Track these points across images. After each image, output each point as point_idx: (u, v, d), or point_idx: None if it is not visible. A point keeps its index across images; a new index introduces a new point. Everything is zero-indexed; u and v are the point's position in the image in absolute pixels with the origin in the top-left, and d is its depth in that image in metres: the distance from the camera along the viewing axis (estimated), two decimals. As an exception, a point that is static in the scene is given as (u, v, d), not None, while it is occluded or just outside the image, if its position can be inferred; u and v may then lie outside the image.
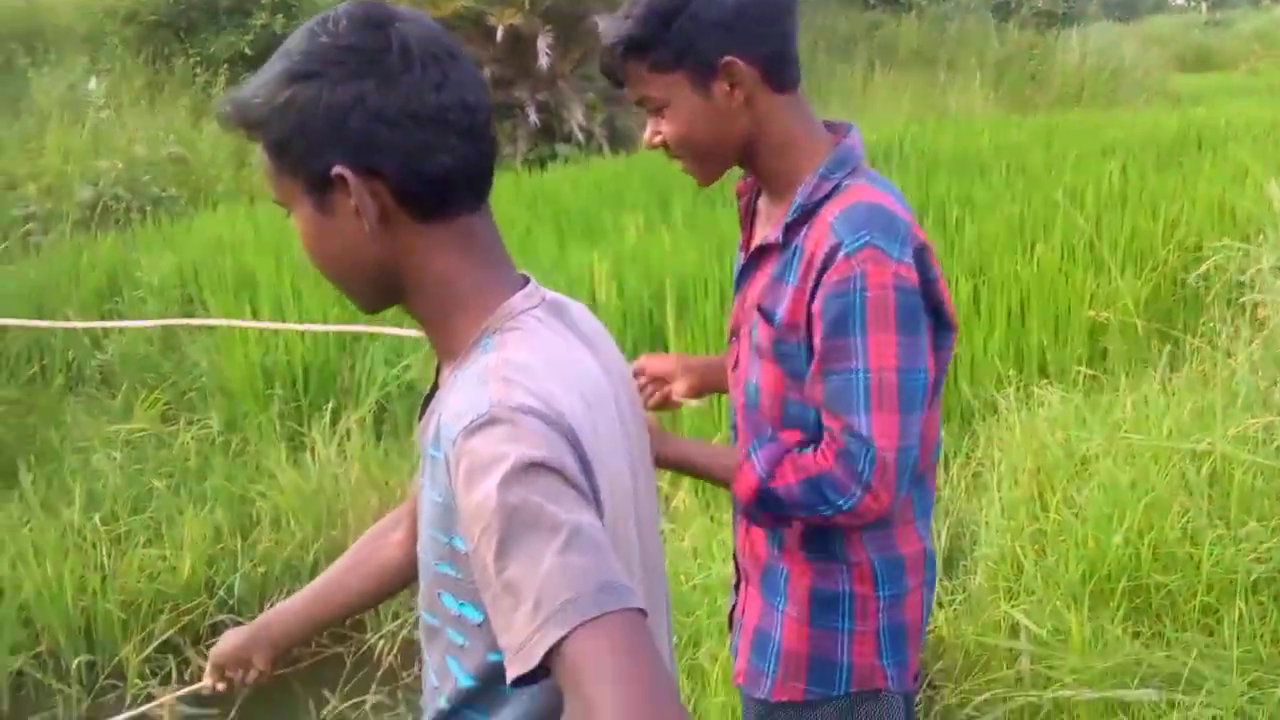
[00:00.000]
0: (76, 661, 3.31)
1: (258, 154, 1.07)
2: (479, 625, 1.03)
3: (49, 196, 7.11)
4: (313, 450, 3.98)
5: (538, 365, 1.02)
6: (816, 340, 1.42)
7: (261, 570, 3.60)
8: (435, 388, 1.15)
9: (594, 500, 0.97)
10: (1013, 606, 2.69)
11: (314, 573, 3.66)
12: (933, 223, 5.37)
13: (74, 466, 3.98)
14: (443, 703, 1.10)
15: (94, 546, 3.54)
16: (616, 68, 1.50)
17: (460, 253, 1.07)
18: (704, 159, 1.53)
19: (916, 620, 1.57)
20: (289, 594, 3.59)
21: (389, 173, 1.02)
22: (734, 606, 1.69)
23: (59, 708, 3.28)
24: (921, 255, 1.43)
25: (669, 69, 1.45)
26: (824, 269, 1.40)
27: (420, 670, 3.40)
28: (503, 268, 1.11)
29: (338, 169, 1.01)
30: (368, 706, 3.17)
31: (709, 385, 1.84)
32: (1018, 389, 3.86)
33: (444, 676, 1.10)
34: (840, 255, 1.38)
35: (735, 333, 1.61)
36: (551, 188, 7.25)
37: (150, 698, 3.32)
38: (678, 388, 1.83)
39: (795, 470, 1.44)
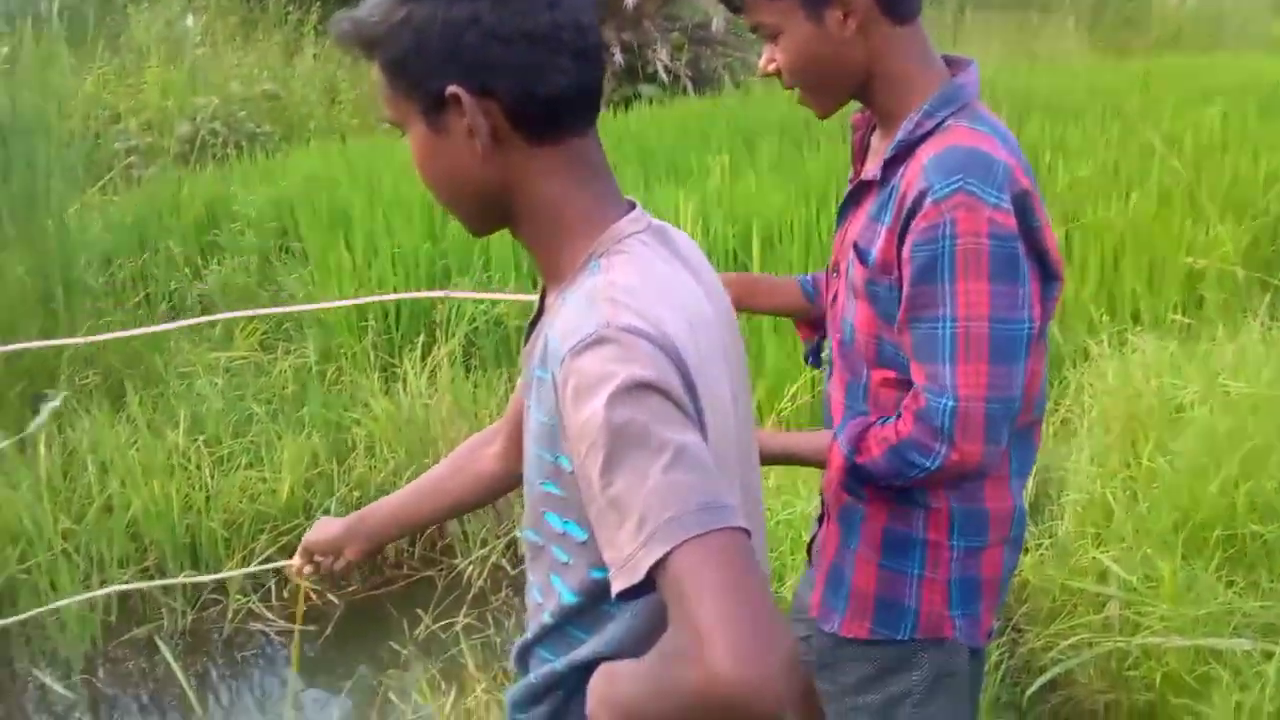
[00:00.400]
0: (181, 577, 3.46)
1: (373, 74, 1.10)
2: (583, 543, 1.06)
3: (149, 131, 7.29)
4: (404, 381, 4.08)
5: (644, 288, 1.03)
6: (904, 288, 1.40)
7: (356, 495, 3.71)
8: (540, 311, 1.18)
9: (698, 423, 0.98)
10: (1101, 552, 2.68)
11: (406, 499, 3.76)
12: (1025, 167, 5.26)
13: (178, 391, 4.12)
14: (546, 618, 1.13)
15: (198, 468, 3.68)
16: None
17: (568, 176, 1.09)
18: (817, 90, 1.51)
19: (995, 577, 1.55)
20: (383, 519, 3.71)
21: (502, 93, 1.03)
22: (813, 539, 1.71)
23: (164, 620, 3.43)
24: (1023, 201, 1.38)
25: None
26: (911, 214, 1.37)
27: (507, 596, 3.50)
28: (609, 192, 1.12)
29: (452, 88, 1.03)
30: (458, 628, 3.28)
31: (744, 302, 1.80)
32: (1111, 336, 3.80)
33: (548, 593, 1.13)
34: (928, 201, 1.35)
35: (835, 268, 1.60)
36: (636, 128, 7.22)
37: (251, 614, 3.48)
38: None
39: (878, 443, 1.44)
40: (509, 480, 1.52)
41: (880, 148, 1.52)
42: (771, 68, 1.50)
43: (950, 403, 1.36)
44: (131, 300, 4.96)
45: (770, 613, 0.88)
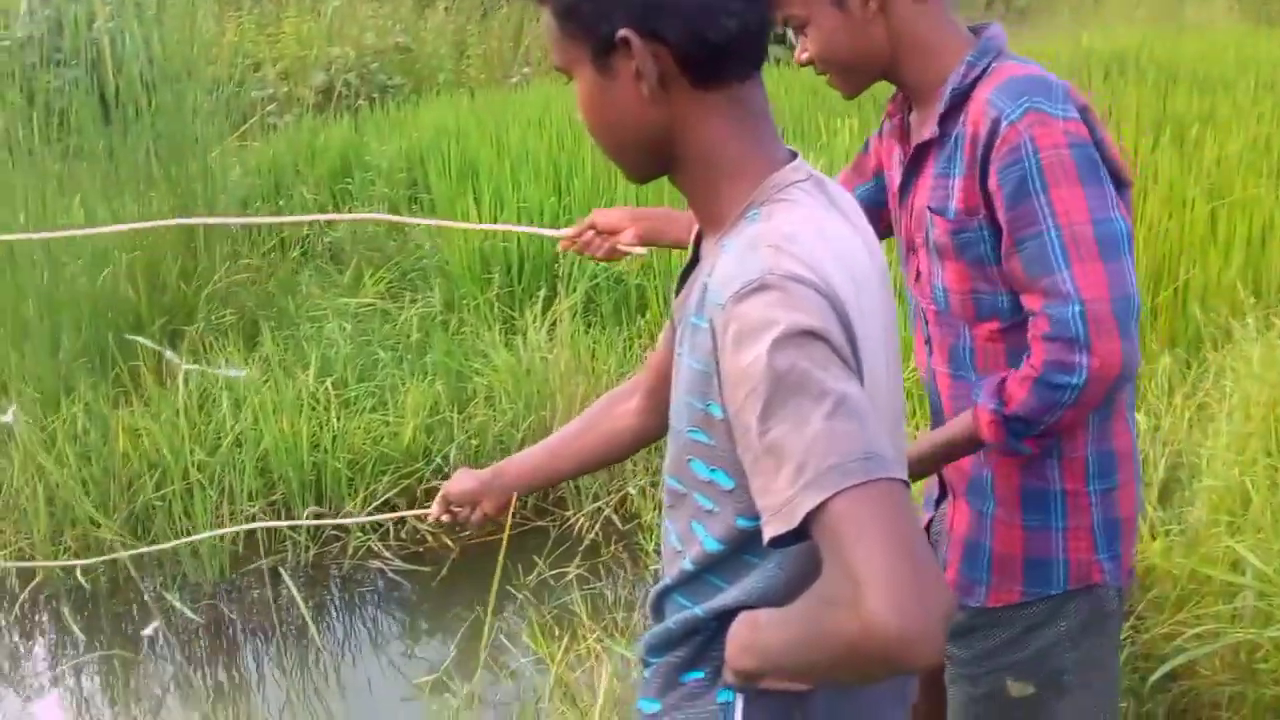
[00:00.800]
0: (307, 512, 3.58)
1: (544, 19, 1.10)
2: (729, 491, 1.05)
3: (286, 80, 7.49)
4: (524, 334, 4.13)
5: (807, 236, 1.02)
6: (1001, 216, 1.41)
7: (475, 442, 3.78)
8: (695, 260, 1.17)
9: (858, 374, 0.97)
10: (1237, 541, 2.58)
11: (523, 447, 3.82)
12: (1169, 139, 5.04)
13: (308, 334, 4.25)
14: (686, 565, 1.13)
15: (325, 408, 3.79)
16: None
17: (732, 121, 1.08)
18: (848, 72, 1.54)
19: (1130, 514, 1.56)
20: (500, 467, 3.78)
21: (672, 36, 1.03)
22: (929, 521, 1.70)
23: (288, 554, 3.56)
24: (1085, 115, 1.42)
25: None
26: (989, 146, 1.40)
27: (617, 551, 3.53)
28: (772, 139, 1.11)
29: (623, 32, 1.03)
30: (570, 577, 3.32)
31: (658, 235, 1.84)
32: (1258, 318, 3.63)
33: (688, 540, 1.13)
34: (1004, 125, 1.38)
35: (911, 246, 1.60)
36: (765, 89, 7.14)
37: (370, 552, 3.58)
38: (625, 236, 1.84)
39: (1019, 384, 1.41)
40: (646, 436, 1.52)
41: (923, 119, 1.54)
42: (804, 57, 1.54)
43: (1077, 307, 1.36)
44: (266, 244, 5.12)
45: (929, 565, 0.88)
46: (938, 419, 1.63)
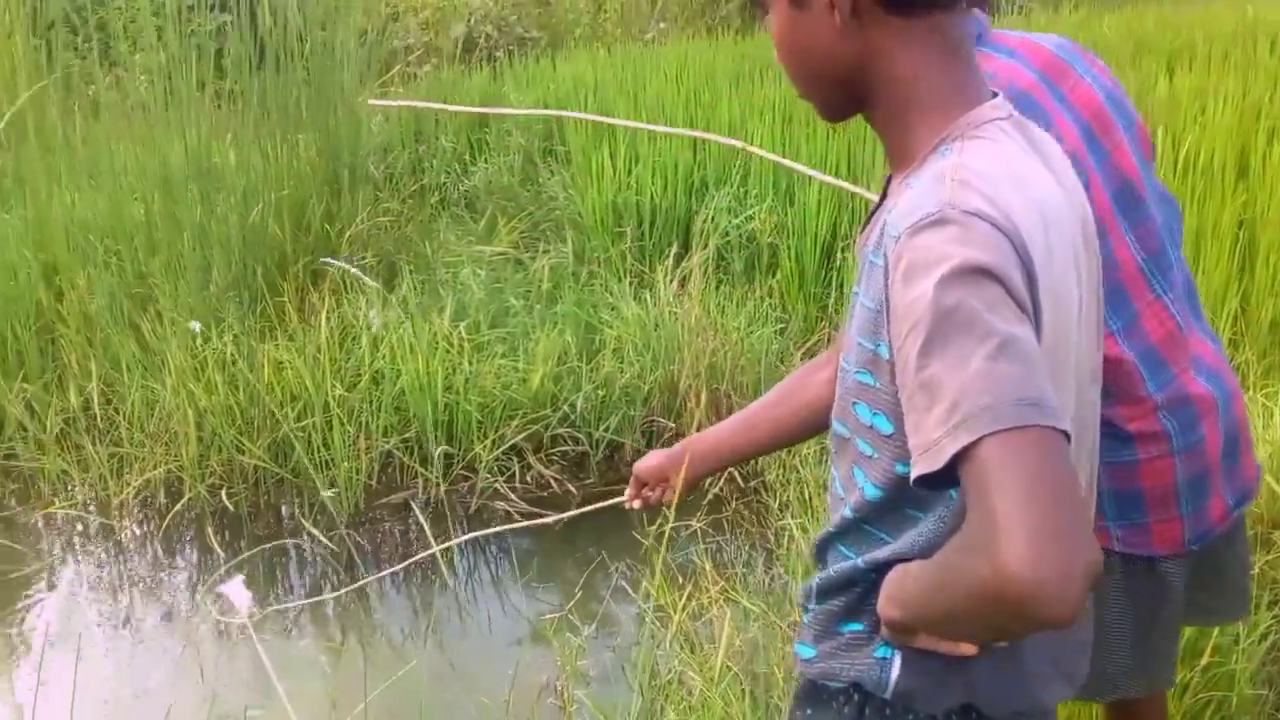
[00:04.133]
0: (438, 450, 3.67)
1: None
2: (889, 437, 1.04)
3: (427, 30, 7.61)
4: (654, 288, 4.15)
5: (998, 174, 0.98)
6: None
7: (601, 393, 3.82)
8: (883, 198, 1.15)
9: (1033, 319, 0.94)
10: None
11: (648, 401, 3.86)
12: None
13: (444, 278, 4.35)
14: (847, 513, 1.12)
15: (458, 351, 3.88)
16: None
17: (929, 52, 1.04)
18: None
19: (1163, 485, 1.55)
20: (625, 418, 3.82)
21: None
22: None
23: (419, 490, 3.67)
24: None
25: None
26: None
27: (739, 507, 3.54)
28: (970, 75, 1.07)
29: None
30: (693, 530, 3.35)
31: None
32: None
33: (850, 487, 1.12)
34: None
35: None
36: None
37: (496, 494, 3.66)
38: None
39: None
40: None
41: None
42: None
43: None
44: (406, 190, 5.23)
45: (1077, 519, 0.85)
46: None
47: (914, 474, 0.91)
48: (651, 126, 3.27)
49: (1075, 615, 0.84)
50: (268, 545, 3.43)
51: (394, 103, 3.91)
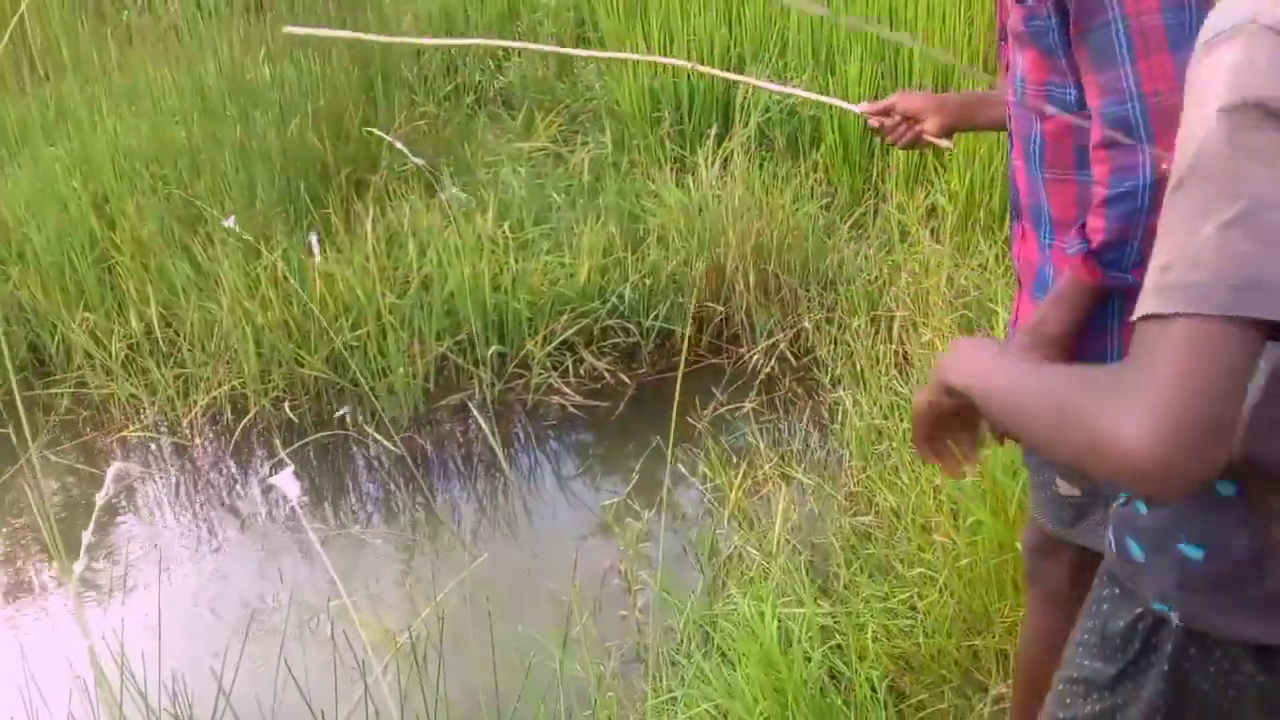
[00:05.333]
0: (490, 351, 3.72)
1: None
2: None
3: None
4: (695, 172, 4.10)
5: None
6: (1069, 2, 1.35)
7: (649, 282, 3.82)
8: None
9: None
10: None
11: (696, 287, 3.86)
12: None
13: (484, 179, 4.34)
14: None
15: (504, 251, 3.89)
16: None
17: None
18: None
19: None
20: (674, 305, 3.82)
21: None
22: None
23: (475, 390, 3.72)
24: None
25: None
26: None
27: (791, 385, 3.54)
28: None
29: None
30: (745, 410, 3.37)
31: (961, 123, 1.84)
32: None
33: None
34: None
35: (1003, 35, 1.56)
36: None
37: (551, 389, 3.70)
38: (929, 125, 1.82)
39: (1094, 213, 1.37)
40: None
41: None
42: None
43: (1137, 104, 1.31)
44: (441, 91, 5.19)
45: (1225, 422, 0.80)
46: (1015, 214, 1.60)
47: (1133, 315, 0.86)
48: (608, 54, 3.22)
49: (1176, 499, 0.85)
50: (332, 449, 3.52)
51: (316, 30, 3.87)
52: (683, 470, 3.22)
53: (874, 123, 1.90)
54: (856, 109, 1.96)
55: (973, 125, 1.88)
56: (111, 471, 1.52)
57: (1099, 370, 0.88)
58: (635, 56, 4.60)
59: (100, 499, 1.45)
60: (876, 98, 4.30)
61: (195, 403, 3.64)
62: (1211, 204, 0.80)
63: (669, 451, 2.75)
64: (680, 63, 2.48)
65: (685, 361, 3.78)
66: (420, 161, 2.96)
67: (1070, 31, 1.37)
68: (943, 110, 1.82)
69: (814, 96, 2.35)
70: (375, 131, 2.19)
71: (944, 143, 1.84)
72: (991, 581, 2.31)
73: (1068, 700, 1.20)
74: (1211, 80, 0.82)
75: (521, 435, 3.63)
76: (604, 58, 4.58)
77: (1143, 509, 1.10)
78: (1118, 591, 1.12)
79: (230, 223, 2.66)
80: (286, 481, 1.42)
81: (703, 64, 4.55)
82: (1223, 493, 1.02)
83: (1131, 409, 0.80)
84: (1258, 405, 0.98)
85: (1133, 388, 0.81)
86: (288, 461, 3.49)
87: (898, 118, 1.86)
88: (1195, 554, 1.05)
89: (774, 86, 2.49)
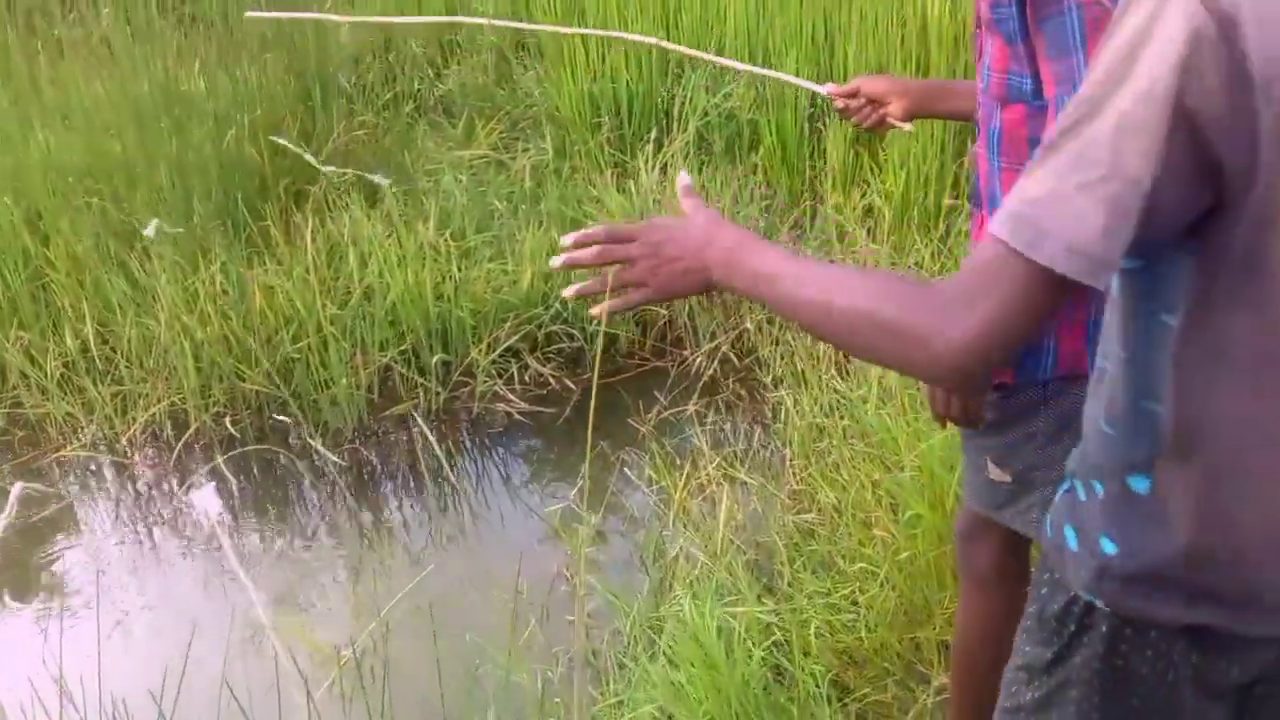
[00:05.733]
0: (435, 360, 3.70)
1: None
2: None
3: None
4: (636, 177, 4.12)
5: None
6: None
7: (592, 287, 3.82)
8: None
9: (1228, 130, 0.86)
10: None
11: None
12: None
13: (425, 187, 4.32)
14: None
15: (446, 259, 3.88)
16: None
17: None
18: None
19: None
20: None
21: None
22: None
23: (420, 399, 3.71)
24: None
25: None
26: None
27: (735, 386, 3.56)
28: None
29: None
30: (689, 413, 3.39)
31: (923, 109, 1.88)
32: None
33: None
34: None
35: (978, 22, 1.58)
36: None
37: (496, 396, 3.70)
38: (894, 109, 1.87)
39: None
40: None
41: None
42: None
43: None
44: (380, 100, 5.16)
45: (1010, 353, 0.92)
46: (975, 202, 1.63)
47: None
48: (553, 28, 3.23)
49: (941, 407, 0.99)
50: (277, 467, 3.49)
51: (279, 14, 3.85)
52: (629, 474, 3.23)
53: (840, 104, 1.94)
54: (823, 90, 1.98)
55: (933, 112, 1.92)
56: (16, 491, 1.49)
57: (914, 287, 0.97)
58: (601, 33, 4.59)
59: (2, 521, 1.42)
60: (814, 96, 4.37)
61: (134, 420, 3.60)
62: (1086, 160, 0.88)
63: (614, 456, 2.76)
64: (648, 40, 2.49)
65: (630, 365, 3.80)
66: (330, 169, 2.90)
67: (1028, 20, 1.40)
68: (906, 95, 1.87)
69: (784, 78, 2.38)
70: (288, 144, 2.16)
71: (906, 126, 1.89)
72: (931, 573, 2.35)
73: (1013, 688, 1.22)
74: (1120, 39, 0.88)
75: (467, 443, 3.63)
76: (584, 34, 4.57)
77: (1083, 496, 1.12)
78: (1057, 576, 1.14)
79: (150, 232, 2.59)
80: (207, 498, 1.40)
81: (642, 67, 4.58)
82: (1137, 489, 1.05)
83: (956, 324, 0.91)
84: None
85: (966, 305, 0.91)
86: (204, 481, 3.46)
87: (863, 100, 1.90)
88: (1110, 549, 1.07)
89: (746, 67, 2.53)
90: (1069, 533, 1.13)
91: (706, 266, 1.14)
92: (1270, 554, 1.01)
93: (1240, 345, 0.94)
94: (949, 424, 1.65)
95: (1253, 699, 1.13)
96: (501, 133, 4.83)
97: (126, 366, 3.69)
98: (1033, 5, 1.38)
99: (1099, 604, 1.09)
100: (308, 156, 2.06)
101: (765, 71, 2.44)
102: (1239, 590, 1.03)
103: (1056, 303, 0.91)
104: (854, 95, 1.92)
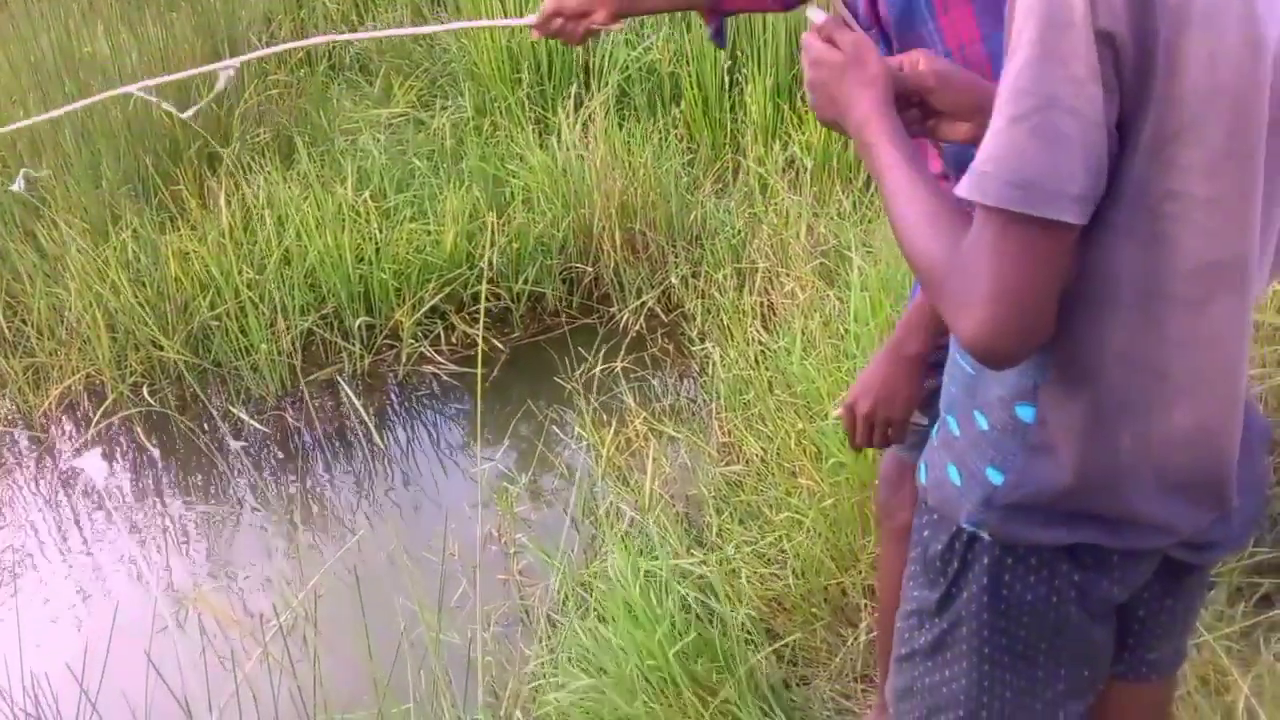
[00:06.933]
0: (358, 323, 3.65)
1: None
2: None
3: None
4: (558, 133, 4.08)
5: None
6: None
7: (516, 245, 3.80)
8: None
9: (1139, 72, 0.88)
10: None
11: (564, 248, 3.85)
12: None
13: (343, 147, 4.24)
14: None
15: (366, 220, 3.82)
16: None
17: None
18: None
19: None
20: (543, 267, 3.81)
21: None
22: None
23: (344, 363, 3.66)
24: None
25: None
26: None
27: (663, 342, 3.56)
28: None
29: None
30: (617, 369, 3.39)
31: (626, 8, 1.79)
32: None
33: None
34: None
35: (874, 22, 1.54)
36: None
37: (423, 358, 3.66)
38: (598, 16, 1.78)
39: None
40: None
41: None
42: None
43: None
44: (293, 58, 5.04)
45: (1027, 322, 0.93)
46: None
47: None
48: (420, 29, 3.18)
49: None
50: (199, 437, 3.43)
51: None
52: (557, 431, 3.23)
53: (538, 34, 1.83)
54: (524, 22, 1.89)
55: (639, 9, 1.86)
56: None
57: (958, 242, 0.96)
58: (471, 24, 4.52)
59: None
60: (734, 50, 4.35)
61: (49, 393, 3.50)
62: (1009, 99, 0.89)
63: (542, 416, 2.75)
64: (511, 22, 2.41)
65: (558, 324, 3.79)
66: (188, 114, 2.74)
67: None
68: (607, 1, 1.77)
69: (480, 24, 2.26)
70: (168, 108, 2.06)
71: (615, 25, 1.81)
72: (855, 519, 2.38)
73: (906, 635, 1.24)
74: None
75: (395, 406, 3.59)
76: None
77: (956, 432, 1.14)
78: (936, 517, 1.17)
79: (19, 185, 2.44)
80: (128, 470, 1.37)
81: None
82: (1023, 418, 1.07)
83: (966, 303, 0.92)
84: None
85: (971, 276, 0.92)
86: (124, 453, 3.39)
87: (563, 20, 1.79)
88: (996, 478, 1.09)
89: (434, 28, 2.40)
90: (951, 469, 1.15)
91: (845, 118, 1.11)
92: (1146, 476, 1.05)
93: (1126, 281, 0.96)
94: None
95: (1135, 621, 1.18)
96: (420, 91, 4.74)
97: (38, 338, 3.59)
98: None
99: (983, 535, 1.12)
100: (167, 106, 1.94)
101: (460, 24, 2.30)
102: (1118, 510, 1.07)
103: (1048, 251, 0.90)
104: (552, 19, 1.79)
